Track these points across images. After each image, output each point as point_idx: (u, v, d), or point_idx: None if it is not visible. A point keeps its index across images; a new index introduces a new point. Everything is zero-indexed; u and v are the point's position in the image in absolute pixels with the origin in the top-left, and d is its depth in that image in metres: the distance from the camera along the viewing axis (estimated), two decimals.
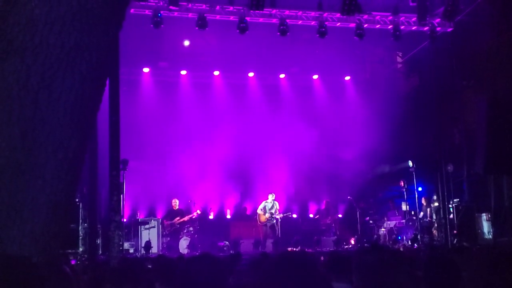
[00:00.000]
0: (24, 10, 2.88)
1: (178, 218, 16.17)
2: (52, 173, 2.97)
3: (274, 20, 15.70)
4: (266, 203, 16.60)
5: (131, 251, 14.95)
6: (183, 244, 15.62)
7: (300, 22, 16.04)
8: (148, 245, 14.74)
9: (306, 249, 15.02)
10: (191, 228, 16.13)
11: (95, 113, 3.22)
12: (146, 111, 18.18)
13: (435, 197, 17.04)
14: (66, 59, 2.93)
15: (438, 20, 16.32)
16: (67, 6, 2.90)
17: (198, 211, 16.39)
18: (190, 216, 16.24)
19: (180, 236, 15.94)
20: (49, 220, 2.95)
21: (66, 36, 2.92)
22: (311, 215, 19.46)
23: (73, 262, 9.85)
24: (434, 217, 16.82)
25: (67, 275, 2.84)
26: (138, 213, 16.86)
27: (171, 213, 16.45)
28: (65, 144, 2.98)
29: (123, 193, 13.22)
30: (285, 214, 16.66)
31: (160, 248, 15.53)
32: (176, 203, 16.50)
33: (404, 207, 17.31)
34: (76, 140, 3.03)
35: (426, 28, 16.42)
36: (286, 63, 19.75)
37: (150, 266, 6.85)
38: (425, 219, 16.85)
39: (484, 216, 15.60)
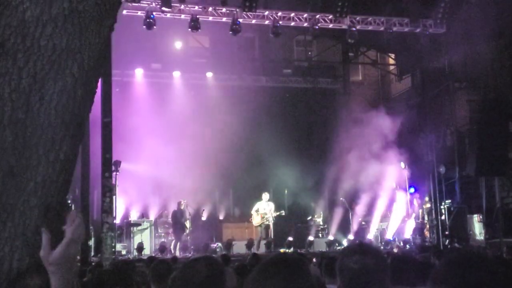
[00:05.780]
0: (16, 12, 2.88)
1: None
2: (44, 175, 2.96)
3: (267, 22, 15.72)
4: (260, 204, 16.53)
5: (124, 252, 14.92)
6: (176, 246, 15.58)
7: (292, 23, 16.07)
8: (140, 246, 14.71)
9: (298, 251, 15.03)
10: None
11: (87, 115, 3.21)
12: (138, 113, 18.12)
13: (427, 199, 17.10)
14: (58, 61, 2.92)
15: (430, 22, 16.39)
16: (59, 8, 2.90)
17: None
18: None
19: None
20: (40, 223, 2.94)
21: (58, 38, 2.91)
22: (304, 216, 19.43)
23: None
24: (426, 218, 16.88)
25: None
26: (131, 215, 16.80)
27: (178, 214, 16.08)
28: (57, 146, 2.97)
29: (115, 194, 13.20)
30: (277, 213, 16.59)
31: (153, 250, 15.49)
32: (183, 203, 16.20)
33: None
34: (68, 142, 3.02)
35: (418, 30, 16.49)
36: (278, 65, 19.76)
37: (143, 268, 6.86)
38: (417, 220, 16.89)
39: (475, 217, 15.69)
